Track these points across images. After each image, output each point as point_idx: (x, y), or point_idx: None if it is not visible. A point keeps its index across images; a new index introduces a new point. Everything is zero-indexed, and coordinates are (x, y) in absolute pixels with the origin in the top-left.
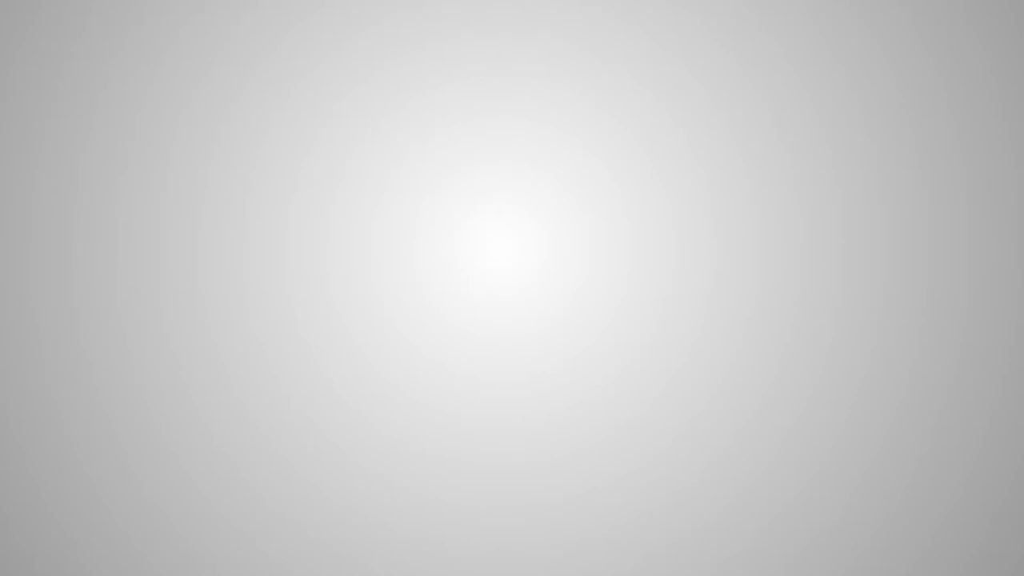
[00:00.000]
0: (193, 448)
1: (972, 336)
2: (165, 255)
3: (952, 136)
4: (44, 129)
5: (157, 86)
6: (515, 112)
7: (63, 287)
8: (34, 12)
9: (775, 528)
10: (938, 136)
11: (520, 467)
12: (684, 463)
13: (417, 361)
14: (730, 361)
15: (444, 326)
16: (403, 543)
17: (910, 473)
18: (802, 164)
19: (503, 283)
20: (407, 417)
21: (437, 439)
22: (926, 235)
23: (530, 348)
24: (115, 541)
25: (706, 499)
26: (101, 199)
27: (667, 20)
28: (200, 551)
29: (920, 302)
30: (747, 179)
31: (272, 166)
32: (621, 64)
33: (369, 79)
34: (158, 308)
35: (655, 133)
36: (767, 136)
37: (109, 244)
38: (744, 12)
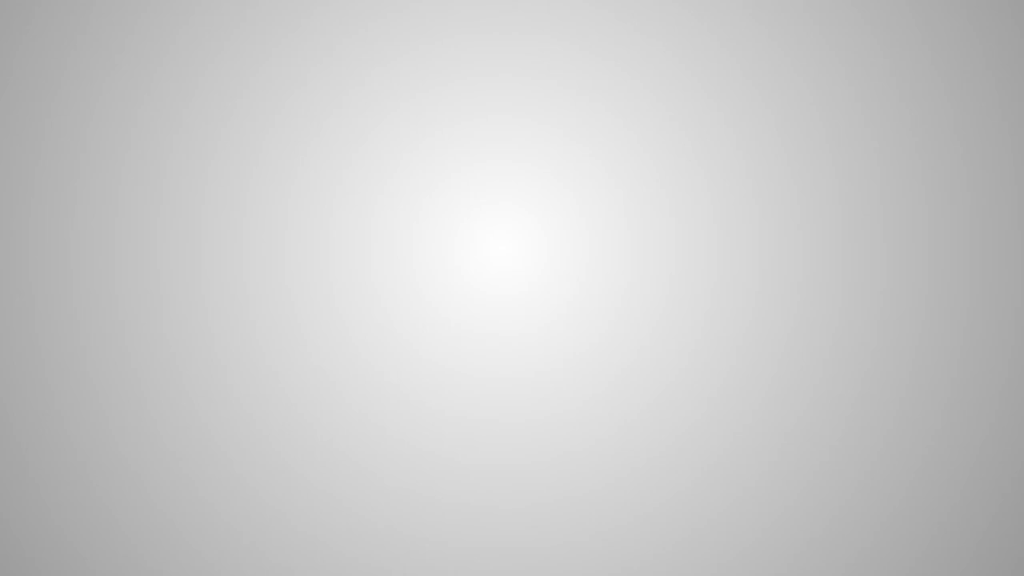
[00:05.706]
0: (193, 448)
1: (972, 336)
2: (165, 255)
3: (952, 136)
4: (44, 129)
5: (157, 86)
6: (515, 112)
7: (63, 287)
8: (34, 12)
9: (775, 528)
10: (938, 136)
11: (521, 467)
12: (684, 463)
13: (417, 361)
14: (730, 361)
15: (444, 326)
16: (403, 543)
17: (910, 473)
18: (802, 164)
19: (503, 283)
20: (407, 417)
21: (437, 439)
22: (926, 235)
23: (530, 348)
24: (115, 541)
25: (706, 500)
26: (101, 199)
27: (667, 20)
28: (200, 551)
29: (920, 302)
30: (747, 179)
31: (272, 166)
32: (621, 64)
33: (369, 79)
34: (158, 308)
35: (655, 133)
36: (767, 136)
37: (109, 244)
38: (744, 12)
